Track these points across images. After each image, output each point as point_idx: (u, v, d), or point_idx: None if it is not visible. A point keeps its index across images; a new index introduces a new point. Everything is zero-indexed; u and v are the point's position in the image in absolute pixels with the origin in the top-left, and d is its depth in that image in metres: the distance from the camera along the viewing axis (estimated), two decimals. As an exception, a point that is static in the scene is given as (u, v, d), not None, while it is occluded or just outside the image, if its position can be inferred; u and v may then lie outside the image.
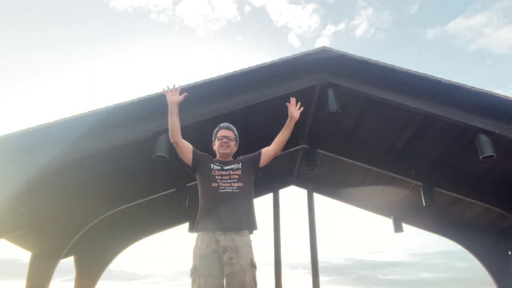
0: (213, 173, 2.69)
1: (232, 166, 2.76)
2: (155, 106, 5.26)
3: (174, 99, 2.73)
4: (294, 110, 2.85)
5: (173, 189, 7.46)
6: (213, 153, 2.95)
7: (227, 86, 5.49)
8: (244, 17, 36.58)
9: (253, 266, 2.48)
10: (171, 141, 2.73)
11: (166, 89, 2.79)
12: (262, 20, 37.18)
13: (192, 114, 5.41)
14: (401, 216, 9.53)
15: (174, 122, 2.70)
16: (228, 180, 2.66)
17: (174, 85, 2.80)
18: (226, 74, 5.36)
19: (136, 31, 36.33)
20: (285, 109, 2.88)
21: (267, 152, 2.88)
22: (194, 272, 2.44)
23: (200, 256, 2.46)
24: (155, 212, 8.88)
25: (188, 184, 7.46)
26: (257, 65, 5.47)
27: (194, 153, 2.78)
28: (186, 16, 36.92)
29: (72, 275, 8.56)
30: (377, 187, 8.92)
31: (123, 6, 34.18)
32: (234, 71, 5.41)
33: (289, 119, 2.85)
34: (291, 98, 2.90)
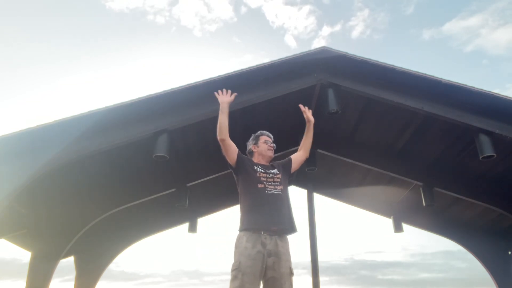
0: (258, 175, 2.81)
1: (274, 170, 2.90)
2: (155, 106, 5.25)
3: (225, 99, 2.93)
4: (309, 114, 3.09)
5: (173, 189, 7.45)
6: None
7: (227, 86, 5.42)
8: (240, 18, 36.50)
9: (291, 273, 2.62)
10: (218, 138, 2.81)
11: (217, 94, 3.00)
12: (259, 21, 37.12)
13: (193, 114, 5.40)
14: (401, 216, 9.52)
15: (224, 121, 2.83)
16: (272, 183, 2.79)
17: (225, 90, 3.02)
18: (226, 74, 5.34)
19: (133, 32, 36.27)
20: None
21: (298, 158, 3.08)
22: (237, 268, 2.50)
23: (246, 255, 2.53)
24: (155, 212, 8.88)
25: (188, 184, 7.46)
26: (257, 65, 5.46)
27: (239, 154, 2.88)
28: (182, 17, 36.86)
29: (72, 275, 8.58)
30: (377, 187, 8.92)
31: (120, 7, 34.07)
32: (234, 71, 5.39)
33: (308, 123, 3.08)
34: (300, 105, 3.13)
